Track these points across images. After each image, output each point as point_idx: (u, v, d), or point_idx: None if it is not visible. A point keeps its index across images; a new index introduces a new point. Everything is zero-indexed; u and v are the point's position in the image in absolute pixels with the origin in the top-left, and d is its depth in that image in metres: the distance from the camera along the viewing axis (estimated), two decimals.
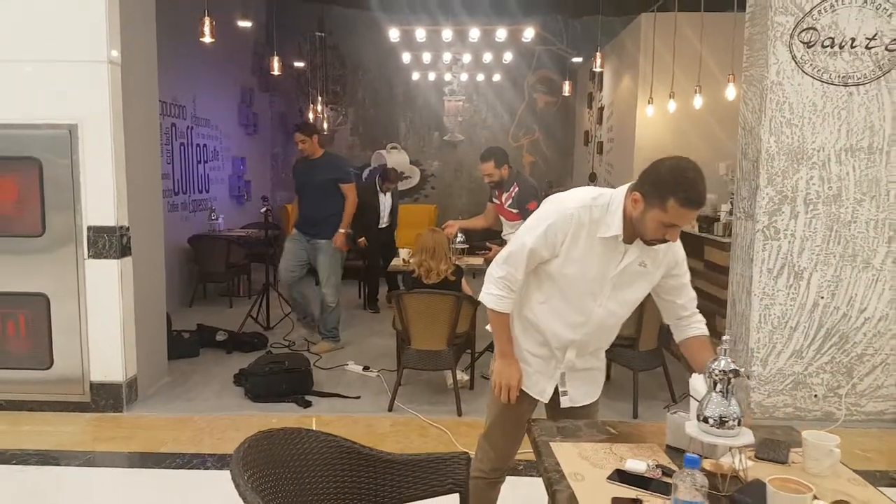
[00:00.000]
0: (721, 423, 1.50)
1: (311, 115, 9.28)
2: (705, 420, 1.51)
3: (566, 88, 8.57)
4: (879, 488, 1.85)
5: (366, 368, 4.79)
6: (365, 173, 9.94)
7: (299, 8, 9.16)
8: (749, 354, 3.93)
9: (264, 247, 6.26)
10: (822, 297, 3.86)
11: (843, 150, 3.79)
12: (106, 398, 3.92)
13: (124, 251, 3.90)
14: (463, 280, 4.23)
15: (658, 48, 6.25)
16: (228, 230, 7.52)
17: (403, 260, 5.10)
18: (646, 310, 3.92)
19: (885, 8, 3.72)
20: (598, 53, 6.71)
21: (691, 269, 5.64)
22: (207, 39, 5.13)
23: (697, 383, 1.64)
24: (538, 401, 2.12)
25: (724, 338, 1.58)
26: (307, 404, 4.07)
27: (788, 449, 1.74)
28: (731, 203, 4.39)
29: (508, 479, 3.15)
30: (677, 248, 1.99)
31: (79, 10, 3.70)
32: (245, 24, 7.87)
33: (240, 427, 3.67)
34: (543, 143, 9.74)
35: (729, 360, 1.52)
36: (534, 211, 4.32)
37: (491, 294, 2.01)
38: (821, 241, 3.83)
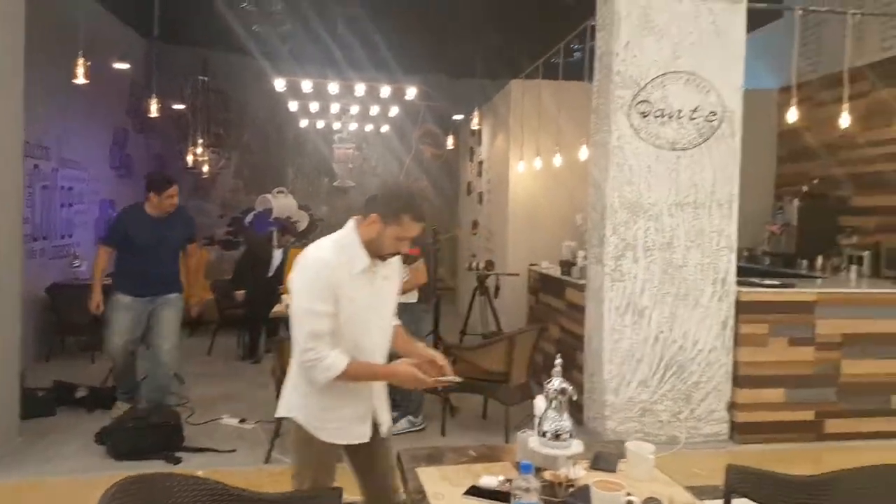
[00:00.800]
0: (556, 436, 1.78)
1: (189, 158, 9.10)
2: (543, 434, 1.78)
3: (450, 142, 9.08)
4: (710, 500, 2.22)
5: (242, 421, 4.70)
6: (249, 217, 9.82)
7: (181, 51, 9.07)
8: (603, 385, 4.37)
9: None
10: (662, 332, 4.40)
11: (674, 204, 4.41)
12: None
13: None
14: None
15: (526, 111, 6.89)
16: None
17: (286, 305, 5.13)
18: (516, 347, 4.27)
19: (703, 86, 4.43)
20: (475, 113, 7.26)
21: (555, 310, 6.12)
22: (81, 80, 5.00)
23: (539, 403, 1.93)
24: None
25: (556, 361, 1.88)
26: (177, 461, 3.93)
27: (617, 459, 2.06)
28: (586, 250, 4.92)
29: None
30: (396, 260, 2.33)
31: None
32: (122, 66, 7.69)
33: (102, 488, 3.51)
34: (431, 192, 10.18)
35: (561, 379, 1.82)
36: (414, 256, 4.59)
37: (327, 370, 2.06)
38: (658, 283, 4.39)
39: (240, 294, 6.62)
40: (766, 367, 4.45)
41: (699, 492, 3.65)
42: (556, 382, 1.81)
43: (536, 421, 1.91)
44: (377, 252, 2.15)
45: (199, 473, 3.67)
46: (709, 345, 4.44)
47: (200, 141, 9.23)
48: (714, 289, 4.45)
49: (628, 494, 1.65)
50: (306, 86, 7.43)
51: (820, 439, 4.48)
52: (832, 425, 4.50)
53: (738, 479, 2.20)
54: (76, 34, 5.02)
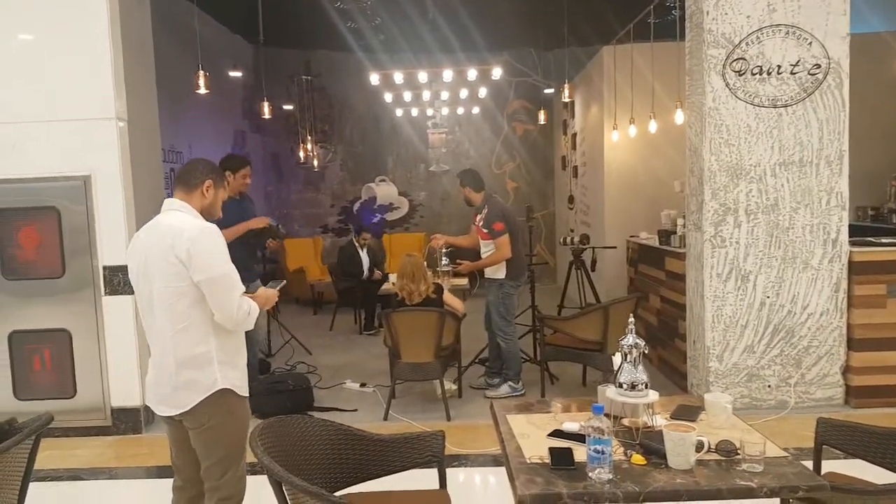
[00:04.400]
0: (632, 387, 1.91)
1: (301, 154, 9.77)
2: (620, 385, 1.92)
3: (542, 117, 9.09)
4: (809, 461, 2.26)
5: (362, 385, 5.17)
6: (356, 206, 10.43)
7: (286, 53, 9.72)
8: (706, 352, 4.33)
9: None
10: (768, 297, 4.28)
11: (777, 164, 4.25)
12: (126, 421, 4.30)
13: None
14: (446, 293, 4.62)
15: (618, 78, 6.79)
16: None
17: (392, 283, 5.50)
18: (611, 316, 4.34)
19: (804, 38, 4.21)
20: (566, 85, 7.25)
21: (655, 280, 6.08)
22: (202, 91, 5.53)
23: (616, 359, 2.06)
24: None
25: (629, 321, 2.00)
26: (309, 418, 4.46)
27: (698, 411, 2.15)
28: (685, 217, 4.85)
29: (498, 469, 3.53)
30: None
31: (89, 73, 4.16)
32: (236, 74, 8.40)
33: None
34: (524, 168, 10.25)
35: (634, 336, 1.94)
36: (499, 231, 4.74)
37: (252, 311, 2.27)
38: (763, 247, 4.27)
39: (378, 274, 7.37)
40: (885, 329, 4.23)
41: (808, 452, 3.60)
42: (630, 339, 1.94)
43: (614, 374, 2.04)
44: (211, 216, 2.35)
45: None
46: (820, 308, 4.27)
47: (309, 137, 9.87)
48: (825, 250, 4.26)
49: (698, 436, 1.75)
50: (398, 77, 7.76)
51: None
52: None
53: (829, 432, 2.23)
54: (195, 48, 5.60)
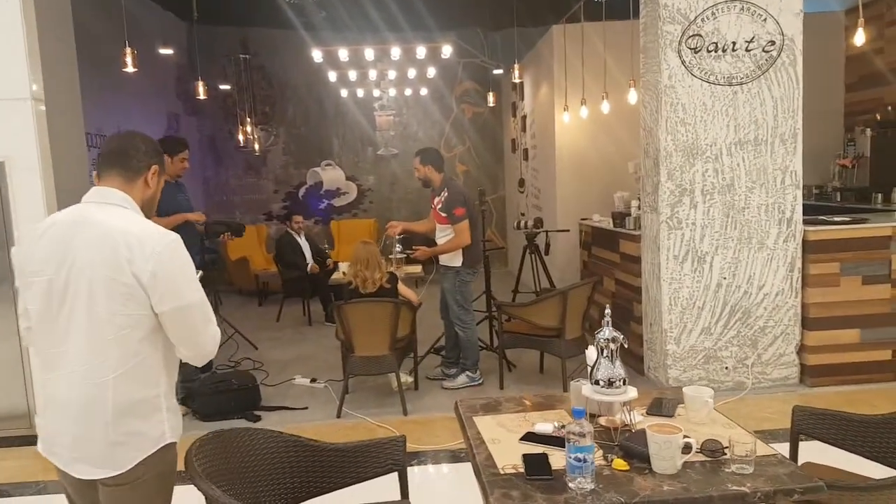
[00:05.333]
0: (609, 383, 1.75)
1: (241, 137, 9.29)
2: (597, 382, 1.76)
3: (490, 99, 8.90)
4: (783, 443, 2.18)
5: (313, 381, 4.89)
6: (301, 191, 10.02)
7: (221, 31, 9.17)
8: (663, 335, 4.28)
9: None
10: (725, 278, 4.25)
11: (733, 143, 4.20)
12: None
13: None
14: (399, 283, 4.41)
15: (569, 57, 6.66)
16: None
17: (343, 273, 5.23)
18: (569, 301, 4.23)
19: (759, 14, 4.16)
20: (516, 65, 7.07)
21: (610, 263, 5.97)
22: (130, 69, 5.12)
23: (590, 353, 1.90)
24: None
25: (606, 311, 1.84)
26: (256, 419, 4.19)
27: (675, 405, 2.02)
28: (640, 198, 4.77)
29: (458, 465, 3.37)
30: None
31: None
32: (167, 51, 7.87)
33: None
34: (474, 151, 10.05)
35: (611, 329, 1.78)
36: (460, 216, 4.53)
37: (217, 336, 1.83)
38: (719, 227, 4.23)
39: (329, 263, 7.18)
40: (839, 307, 4.27)
41: (771, 435, 3.56)
42: (607, 332, 1.78)
43: (589, 370, 1.89)
44: (151, 210, 1.85)
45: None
46: (776, 288, 4.27)
47: (249, 120, 9.39)
48: (780, 230, 4.26)
49: (685, 437, 1.62)
50: (343, 54, 7.41)
51: None
52: None
53: (806, 420, 2.14)
54: (122, 25, 5.14)
